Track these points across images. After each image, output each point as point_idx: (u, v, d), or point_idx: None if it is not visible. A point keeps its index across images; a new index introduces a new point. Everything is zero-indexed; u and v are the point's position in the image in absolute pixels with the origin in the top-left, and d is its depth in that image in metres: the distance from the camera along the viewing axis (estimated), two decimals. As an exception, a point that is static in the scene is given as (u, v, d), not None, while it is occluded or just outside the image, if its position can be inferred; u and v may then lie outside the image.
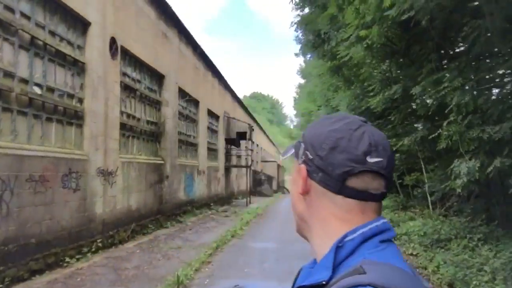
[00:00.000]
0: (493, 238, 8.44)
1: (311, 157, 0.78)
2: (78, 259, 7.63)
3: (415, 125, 10.38)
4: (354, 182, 0.74)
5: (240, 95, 30.92)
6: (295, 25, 14.05)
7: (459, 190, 7.73)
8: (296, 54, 32.40)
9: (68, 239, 7.47)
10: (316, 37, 12.81)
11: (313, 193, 0.79)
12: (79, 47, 8.21)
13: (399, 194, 17.20)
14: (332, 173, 0.74)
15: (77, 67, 8.13)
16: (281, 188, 42.86)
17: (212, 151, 20.65)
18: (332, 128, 0.77)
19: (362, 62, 12.34)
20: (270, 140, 55.32)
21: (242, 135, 23.33)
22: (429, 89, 8.43)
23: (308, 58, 32.22)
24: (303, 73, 33.87)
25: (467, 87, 6.93)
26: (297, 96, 41.22)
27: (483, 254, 7.38)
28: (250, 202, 23.04)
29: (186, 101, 15.60)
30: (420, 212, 14.60)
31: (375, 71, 11.28)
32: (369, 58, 11.04)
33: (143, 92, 11.42)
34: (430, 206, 14.17)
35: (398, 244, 10.59)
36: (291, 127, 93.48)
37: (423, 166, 14.49)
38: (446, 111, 8.39)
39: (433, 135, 7.83)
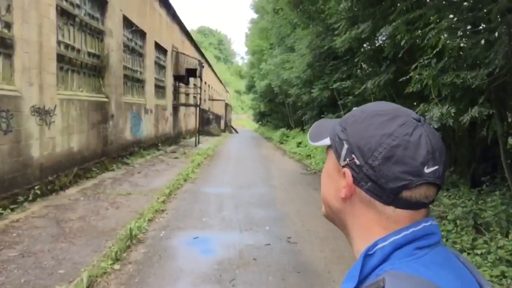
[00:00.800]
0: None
1: (358, 163, 0.70)
2: (12, 209, 6.73)
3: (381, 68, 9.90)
4: (408, 194, 0.68)
5: (187, 28, 29.00)
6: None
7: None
8: (249, -13, 30.68)
9: (0, 187, 6.52)
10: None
11: (355, 199, 0.73)
12: (2, -42, 6.75)
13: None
14: (385, 186, 0.67)
15: (1, -16, 6.73)
16: (228, 128, 42.38)
17: (160, 88, 19.43)
18: (384, 132, 0.68)
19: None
20: (218, 78, 53.88)
21: (191, 72, 22.11)
22: (401, 29, 7.91)
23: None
24: (257, 7, 32.19)
25: (460, 30, 6.46)
26: (249, 32, 39.57)
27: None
28: (199, 142, 22.38)
29: (131, 32, 14.15)
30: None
31: (340, 5, 10.53)
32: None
33: (83, 19, 10.01)
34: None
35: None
36: (240, 64, 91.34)
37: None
38: (417, 55, 8.02)
39: (402, 78, 7.41)
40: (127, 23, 13.41)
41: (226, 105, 45.67)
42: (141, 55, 15.68)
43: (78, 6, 9.83)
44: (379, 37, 10.92)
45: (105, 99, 11.40)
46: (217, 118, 35.25)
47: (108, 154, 11.61)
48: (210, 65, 41.49)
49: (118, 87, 12.37)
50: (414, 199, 0.68)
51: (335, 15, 11.03)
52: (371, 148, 0.68)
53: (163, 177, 11.01)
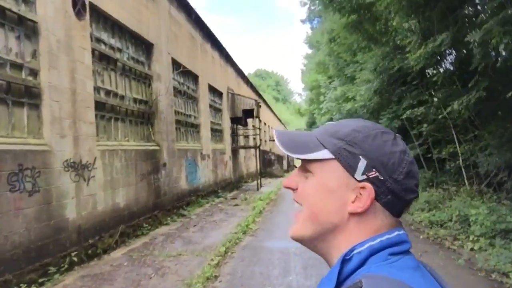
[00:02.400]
0: None
1: (381, 178, 0.75)
2: (41, 284, 5.72)
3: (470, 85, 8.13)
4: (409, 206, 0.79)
5: (245, 73, 28.68)
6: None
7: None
8: (302, 21, 30.08)
9: (25, 260, 5.54)
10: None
11: (369, 212, 0.76)
12: (25, 0, 6.11)
13: (425, 169, 15.19)
14: (404, 198, 0.76)
15: (25, 27, 6.05)
16: (291, 167, 40.95)
17: (216, 132, 18.62)
18: (400, 150, 0.77)
19: (388, 13, 10.16)
20: (277, 117, 53.15)
21: (248, 113, 21.22)
22: (495, 31, 6.26)
23: (315, 25, 29.83)
24: (311, 42, 31.35)
25: None
26: (305, 68, 38.69)
27: None
28: (261, 185, 21.10)
29: (181, 73, 13.47)
30: (456, 189, 12.63)
31: (409, 22, 9.07)
32: (395, 6, 8.87)
33: (126, 64, 9.33)
34: (466, 182, 12.18)
35: (447, 234, 8.58)
36: (298, 101, 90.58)
37: (455, 136, 12.47)
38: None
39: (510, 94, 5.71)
40: (177, 66, 12.75)
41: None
42: (194, 98, 14.97)
43: (120, 50, 9.17)
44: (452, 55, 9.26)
45: (156, 147, 10.53)
46: (279, 158, 34.05)
47: (162, 207, 10.60)
48: (268, 105, 40.84)
49: (169, 133, 11.52)
50: (407, 210, 0.79)
51: (402, 32, 9.55)
52: (395, 164, 0.75)
53: (220, 230, 9.73)
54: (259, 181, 20.96)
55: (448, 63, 13.08)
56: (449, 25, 7.89)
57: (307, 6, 24.09)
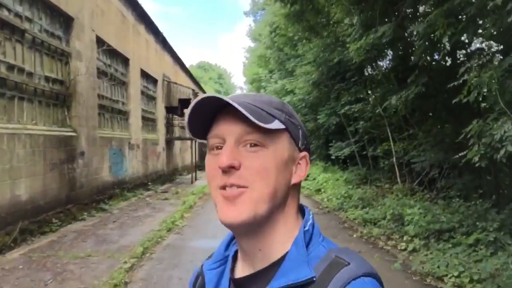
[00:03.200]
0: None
1: (308, 146, 0.79)
2: None
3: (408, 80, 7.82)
4: None
5: (187, 65, 27.44)
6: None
7: (480, 162, 5.40)
8: (246, 13, 29.41)
9: None
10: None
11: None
12: None
13: (359, 166, 15.22)
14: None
15: None
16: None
17: (149, 121, 17.48)
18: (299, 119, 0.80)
19: (330, 5, 9.75)
20: (218, 111, 52.12)
21: (185, 103, 20.22)
22: (439, 22, 5.93)
23: (258, 18, 29.29)
24: (253, 35, 30.72)
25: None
26: (246, 61, 38.05)
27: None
28: (196, 179, 20.26)
29: (108, 54, 12.28)
30: (389, 187, 12.65)
31: (350, 16, 8.67)
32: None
33: (37, 36, 8.12)
34: (399, 180, 12.20)
35: (380, 233, 8.32)
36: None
37: (390, 135, 12.44)
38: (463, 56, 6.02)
39: (453, 84, 5.37)
40: (103, 45, 11.56)
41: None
42: (123, 83, 13.80)
43: (30, 20, 7.96)
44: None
45: (72, 133, 9.38)
46: (217, 151, 33.26)
47: (77, 200, 9.49)
48: (208, 97, 39.79)
49: (90, 118, 10.38)
50: None
51: (343, 26, 9.15)
52: (307, 133, 0.81)
53: (142, 227, 8.85)
54: (194, 174, 20.11)
55: (387, 62, 13.03)
56: (391, 17, 7.56)
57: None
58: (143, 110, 16.19)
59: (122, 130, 13.49)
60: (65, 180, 8.90)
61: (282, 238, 0.74)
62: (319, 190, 14.60)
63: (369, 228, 8.66)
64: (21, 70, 7.60)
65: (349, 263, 0.66)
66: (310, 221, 0.76)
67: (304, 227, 0.74)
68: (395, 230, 7.98)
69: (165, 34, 18.68)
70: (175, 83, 20.36)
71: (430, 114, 11.14)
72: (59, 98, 9.10)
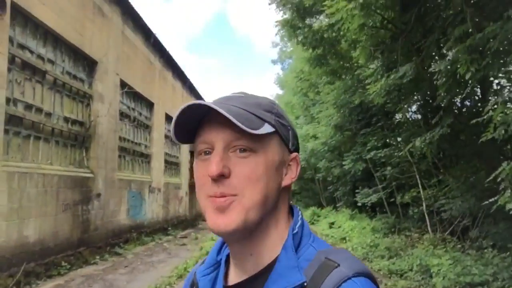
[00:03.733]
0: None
1: (297, 146, 0.78)
2: None
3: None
4: None
5: None
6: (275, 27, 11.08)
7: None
8: (274, 61, 29.91)
9: None
10: (295, 12, 9.92)
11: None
12: None
13: (388, 214, 14.51)
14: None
15: None
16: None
17: (172, 165, 17.47)
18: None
19: (353, 48, 9.63)
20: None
21: (209, 148, 20.21)
22: (462, 58, 5.61)
23: (285, 66, 29.70)
24: (281, 83, 31.13)
25: None
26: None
27: None
28: (218, 225, 19.83)
29: (132, 98, 12.45)
30: (418, 236, 11.88)
31: (373, 59, 8.48)
32: (362, 35, 8.32)
33: (58, 78, 8.28)
34: (430, 229, 11.46)
35: (406, 286, 7.65)
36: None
37: (419, 181, 11.85)
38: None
39: (476, 120, 4.97)
40: (127, 88, 11.75)
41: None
42: (147, 127, 13.91)
43: (52, 62, 8.15)
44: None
45: (89, 175, 9.34)
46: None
47: (90, 243, 9.27)
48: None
49: (109, 160, 10.37)
50: None
51: (366, 67, 8.96)
52: (296, 133, 0.78)
53: (153, 272, 8.48)
54: (216, 220, 19.70)
55: (412, 107, 12.68)
56: (413, 56, 7.31)
57: (279, 47, 23.89)
58: (166, 154, 16.22)
59: (143, 173, 13.45)
60: (78, 222, 8.75)
61: (273, 242, 0.72)
62: (344, 238, 13.90)
63: (395, 280, 7.99)
64: (39, 110, 7.69)
65: (339, 265, 0.64)
66: (299, 222, 0.74)
67: (293, 230, 0.72)
68: (422, 283, 7.31)
69: (200, 84, 19.07)
70: (201, 128, 20.47)
71: (459, 158, 10.61)
72: (78, 139, 9.15)
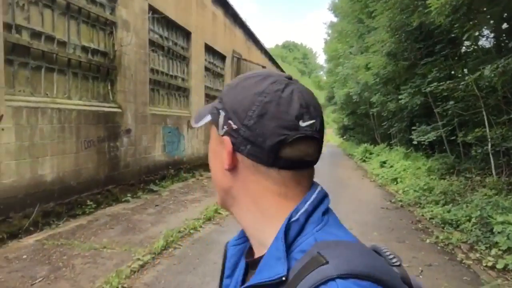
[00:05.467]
0: None
1: (235, 127, 0.69)
2: None
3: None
4: (288, 152, 0.66)
5: (272, 45, 26.35)
6: None
7: None
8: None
9: None
10: None
11: (241, 167, 0.70)
12: None
13: (448, 154, 13.06)
14: (263, 145, 0.66)
15: None
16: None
17: (214, 99, 16.66)
18: (256, 91, 0.68)
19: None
20: (299, 91, 50.45)
21: (255, 81, 19.15)
22: None
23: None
24: (335, 8, 28.58)
25: None
26: (328, 38, 35.80)
27: None
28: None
29: (166, 26, 11.47)
30: (480, 179, 10.54)
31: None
32: None
33: (72, 2, 7.44)
34: (494, 172, 10.04)
35: (461, 240, 6.58)
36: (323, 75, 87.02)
37: (485, 117, 10.27)
38: None
39: None
40: (158, 15, 10.78)
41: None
42: (184, 58, 13.02)
43: (63, -16, 7.29)
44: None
45: (116, 109, 8.74)
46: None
47: (121, 181, 8.89)
48: (287, 76, 38.37)
49: (140, 94, 9.70)
50: (295, 157, 0.67)
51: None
52: (245, 109, 0.68)
53: (183, 213, 7.99)
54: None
55: (484, 33, 10.76)
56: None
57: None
58: (207, 87, 15.41)
59: (181, 107, 12.79)
60: (104, 159, 8.30)
61: (256, 221, 0.71)
62: (395, 179, 12.77)
63: (448, 232, 6.93)
64: (50, 38, 6.96)
65: (327, 262, 0.57)
66: (304, 208, 0.67)
67: (291, 218, 0.66)
68: (481, 238, 6.19)
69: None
70: (245, 60, 19.34)
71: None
72: (101, 71, 8.46)
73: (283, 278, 0.60)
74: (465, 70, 11.75)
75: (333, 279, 0.55)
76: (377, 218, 8.22)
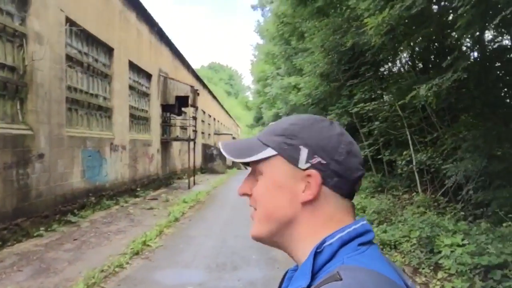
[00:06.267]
0: None
1: (324, 162, 0.77)
2: None
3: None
4: (358, 185, 0.79)
5: (197, 66, 25.90)
6: None
7: None
8: (253, 7, 27.70)
9: None
10: None
11: (321, 198, 0.77)
12: None
13: (373, 172, 13.43)
14: (350, 178, 0.77)
15: None
16: (236, 163, 38.55)
17: (140, 120, 15.77)
18: (337, 132, 0.79)
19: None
20: (226, 112, 50.49)
21: (183, 100, 18.52)
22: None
23: (266, 12, 27.58)
24: (261, 31, 28.95)
25: None
26: (255, 59, 36.15)
27: None
28: (194, 183, 18.65)
29: (86, 41, 10.56)
30: (408, 197, 10.87)
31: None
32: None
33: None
34: (419, 189, 10.37)
35: (405, 264, 6.48)
36: (249, 96, 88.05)
37: (409, 137, 10.66)
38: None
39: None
40: (76, 27, 9.88)
41: (234, 139, 42.08)
42: (105, 76, 12.11)
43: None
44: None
45: (26, 131, 7.70)
46: (222, 154, 31.56)
47: (32, 213, 7.79)
48: (214, 96, 38.11)
49: (54, 114, 8.70)
50: (357, 189, 0.80)
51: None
52: (334, 146, 0.76)
53: (106, 248, 7.12)
54: (192, 178, 18.42)
55: (405, 56, 11.23)
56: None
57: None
58: (132, 107, 14.51)
59: (102, 129, 11.80)
60: (12, 189, 7.21)
61: (306, 251, 0.75)
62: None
63: (390, 254, 6.81)
64: None
65: (341, 279, 0.63)
66: (339, 235, 0.73)
67: (325, 242, 0.73)
68: (424, 260, 6.11)
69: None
70: (172, 79, 18.66)
71: (461, 112, 9.38)
72: (8, 88, 7.42)
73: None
74: (387, 96, 12.16)
75: None
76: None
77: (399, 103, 8.27)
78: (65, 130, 9.19)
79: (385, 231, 7.97)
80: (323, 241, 0.73)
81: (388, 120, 11.38)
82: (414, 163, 10.26)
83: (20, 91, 7.71)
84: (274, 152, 0.78)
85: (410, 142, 10.49)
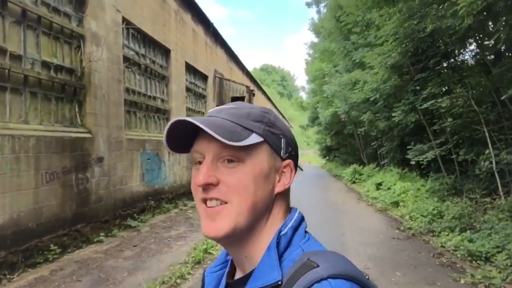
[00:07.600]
0: None
1: (293, 153, 0.79)
2: None
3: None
4: None
5: (250, 68, 25.61)
6: None
7: None
8: (308, 4, 26.90)
9: None
10: None
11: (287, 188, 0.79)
12: None
13: (444, 173, 12.17)
14: (297, 168, 0.80)
15: None
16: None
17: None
18: (288, 127, 0.80)
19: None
20: (279, 112, 49.94)
21: (239, 101, 18.14)
22: None
23: (321, 9, 26.68)
24: (316, 28, 28.07)
25: None
26: (309, 58, 35.29)
27: None
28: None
29: (143, 42, 10.36)
30: (488, 201, 9.67)
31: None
32: None
33: (27, 9, 6.29)
34: (501, 192, 9.17)
35: (502, 278, 5.54)
36: (303, 97, 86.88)
37: (487, 135, 9.49)
38: None
39: None
40: (134, 29, 9.70)
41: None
42: (163, 77, 11.91)
43: (16, -13, 6.14)
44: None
45: (85, 135, 7.52)
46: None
47: (92, 218, 7.60)
48: (268, 97, 37.67)
49: (113, 117, 8.51)
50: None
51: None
52: (292, 138, 0.80)
53: (167, 255, 6.74)
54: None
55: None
56: None
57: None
58: (189, 109, 14.30)
59: (160, 131, 11.60)
60: (72, 194, 7.02)
61: (266, 244, 0.73)
62: (396, 203, 11.75)
63: (483, 269, 5.87)
64: (0, 51, 5.77)
65: (318, 265, 0.64)
66: (290, 224, 0.74)
67: (281, 231, 0.73)
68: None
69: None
70: (228, 80, 18.35)
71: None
72: (66, 91, 7.26)
73: (279, 282, 0.66)
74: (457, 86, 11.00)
75: (325, 278, 0.61)
76: (392, 252, 7.10)
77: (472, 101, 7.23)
78: (124, 133, 8.99)
79: (470, 240, 7.02)
80: (279, 231, 0.73)
81: (463, 116, 10.26)
82: (494, 163, 9.12)
83: (78, 94, 7.54)
84: (260, 139, 0.74)
85: (488, 140, 9.36)
